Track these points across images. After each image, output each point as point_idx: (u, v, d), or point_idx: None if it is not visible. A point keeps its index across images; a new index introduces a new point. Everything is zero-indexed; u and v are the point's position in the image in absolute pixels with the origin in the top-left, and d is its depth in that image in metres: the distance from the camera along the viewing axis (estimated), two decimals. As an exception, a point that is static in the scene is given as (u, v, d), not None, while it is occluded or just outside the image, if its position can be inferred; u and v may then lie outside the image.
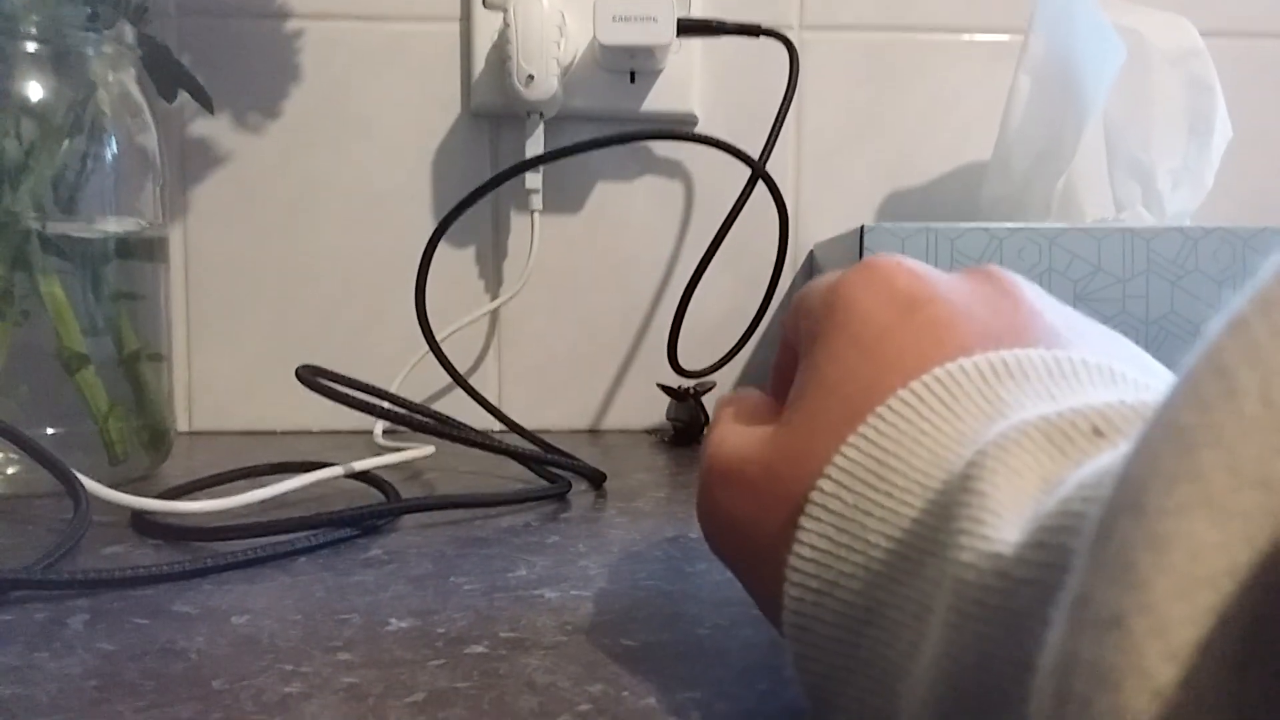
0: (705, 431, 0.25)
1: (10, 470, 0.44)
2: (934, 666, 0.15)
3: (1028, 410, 0.17)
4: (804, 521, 0.19)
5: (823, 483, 0.19)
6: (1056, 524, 0.14)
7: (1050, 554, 0.14)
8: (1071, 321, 0.21)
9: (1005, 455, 0.16)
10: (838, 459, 0.19)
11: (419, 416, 0.45)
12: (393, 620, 0.27)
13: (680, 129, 0.63)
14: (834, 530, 0.18)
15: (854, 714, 0.18)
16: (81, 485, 0.36)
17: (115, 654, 0.25)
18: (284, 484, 0.40)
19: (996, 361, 0.19)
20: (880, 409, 0.19)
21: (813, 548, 0.19)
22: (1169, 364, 0.51)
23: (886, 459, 0.18)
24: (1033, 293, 0.22)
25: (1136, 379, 0.19)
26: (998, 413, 0.18)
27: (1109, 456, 0.14)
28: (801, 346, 0.23)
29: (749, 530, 0.21)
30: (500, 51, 0.63)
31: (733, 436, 0.23)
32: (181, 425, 0.66)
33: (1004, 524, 0.15)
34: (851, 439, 0.19)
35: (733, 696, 0.22)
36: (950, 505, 0.16)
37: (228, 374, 0.67)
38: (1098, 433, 0.16)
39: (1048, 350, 0.19)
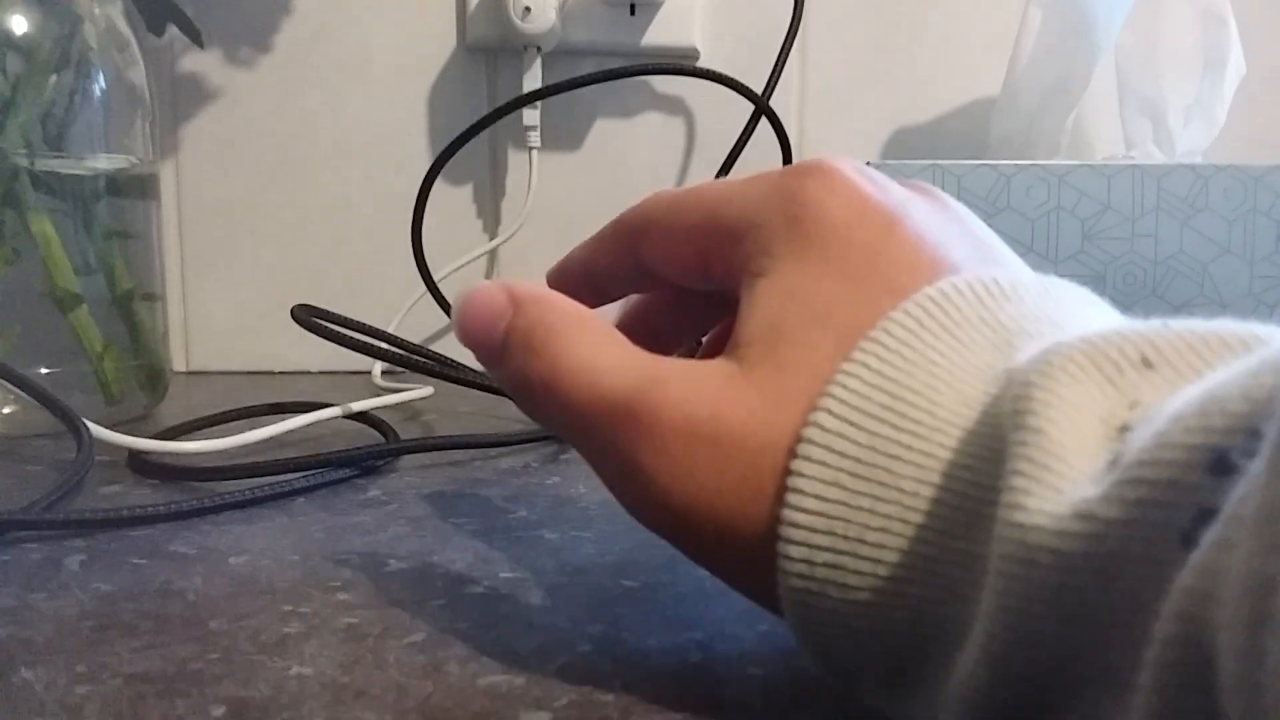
0: (537, 364, 0.19)
1: (6, 410, 0.44)
2: (992, 621, 0.14)
3: (1035, 335, 0.16)
4: (802, 467, 0.16)
5: (821, 418, 0.16)
6: (1157, 458, 0.13)
7: (1150, 491, 0.13)
8: (997, 239, 0.20)
9: (1055, 386, 0.14)
10: (836, 390, 0.16)
11: (417, 357, 0.45)
12: (392, 561, 0.27)
13: (682, 63, 0.62)
14: (848, 476, 0.16)
15: (883, 678, 0.17)
16: (84, 425, 0.36)
17: (112, 594, 0.25)
18: (282, 424, 0.40)
19: (989, 282, 0.17)
20: (875, 333, 0.17)
21: (820, 498, 0.16)
22: (1179, 304, 0.50)
23: (900, 392, 0.16)
24: (966, 210, 0.21)
25: (1107, 303, 0.18)
26: (1004, 341, 0.17)
27: (1195, 389, 0.13)
28: (751, 265, 0.19)
29: (729, 495, 0.17)
30: (497, -17, 0.61)
31: (678, 379, 0.18)
32: (179, 365, 0.66)
33: (1069, 466, 0.14)
34: (848, 368, 0.17)
35: (733, 637, 0.22)
36: (1001, 446, 0.15)
37: (224, 313, 0.66)
38: (1146, 363, 0.15)
39: (1027, 271, 0.18)
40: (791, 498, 0.16)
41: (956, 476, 0.15)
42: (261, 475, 0.35)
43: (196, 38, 0.55)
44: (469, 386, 0.44)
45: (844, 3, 0.67)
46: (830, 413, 0.16)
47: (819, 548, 0.16)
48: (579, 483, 0.36)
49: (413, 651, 0.21)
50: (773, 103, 0.61)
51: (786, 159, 0.61)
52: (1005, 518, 0.14)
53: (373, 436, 0.43)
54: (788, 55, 0.62)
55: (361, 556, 0.28)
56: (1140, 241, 0.47)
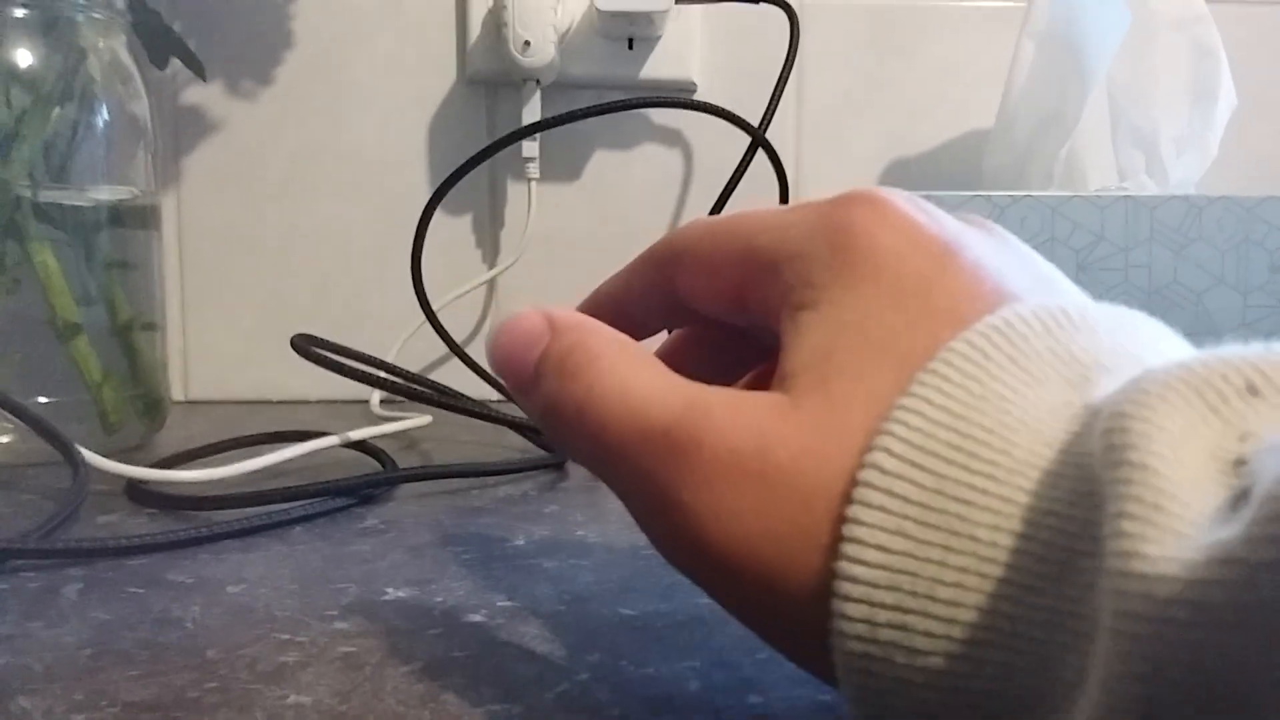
0: (572, 388, 0.18)
1: (3, 439, 0.44)
2: (1111, 691, 0.12)
3: (1112, 370, 0.15)
4: (860, 513, 0.15)
5: (880, 458, 0.15)
6: None
7: None
8: (1059, 273, 0.19)
9: (1155, 416, 0.13)
10: (896, 428, 0.15)
11: (416, 386, 0.45)
12: (390, 590, 0.27)
13: (679, 96, 0.62)
14: (913, 525, 0.14)
15: None
16: (80, 454, 0.36)
17: (110, 623, 0.25)
18: (280, 453, 0.40)
19: (1057, 311, 0.16)
20: (936, 364, 0.15)
21: (882, 549, 0.14)
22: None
23: (969, 430, 0.14)
24: (1023, 244, 0.20)
25: (1180, 336, 0.17)
26: (1079, 376, 0.15)
27: None
28: (792, 297, 0.18)
29: (776, 541, 0.15)
30: (496, 17, 0.62)
31: (723, 408, 0.17)
32: (177, 394, 0.66)
33: (1185, 505, 0.12)
34: (907, 402, 0.15)
35: (731, 665, 0.22)
36: (1092, 489, 0.13)
37: (223, 343, 0.67)
38: (1252, 390, 0.13)
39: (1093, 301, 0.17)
40: (849, 548, 0.15)
41: (1040, 524, 0.14)
42: (259, 504, 0.35)
43: (199, 70, 0.55)
44: (467, 415, 0.44)
45: (839, 36, 0.67)
46: (890, 452, 0.15)
47: (882, 606, 0.14)
48: (577, 511, 0.36)
49: (410, 680, 0.21)
50: (769, 135, 0.61)
51: (783, 190, 0.61)
52: (1119, 568, 0.12)
53: (371, 465, 0.43)
54: (784, 88, 0.62)
55: (359, 585, 0.28)
56: (1134, 272, 0.47)
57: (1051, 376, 0.15)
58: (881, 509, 0.14)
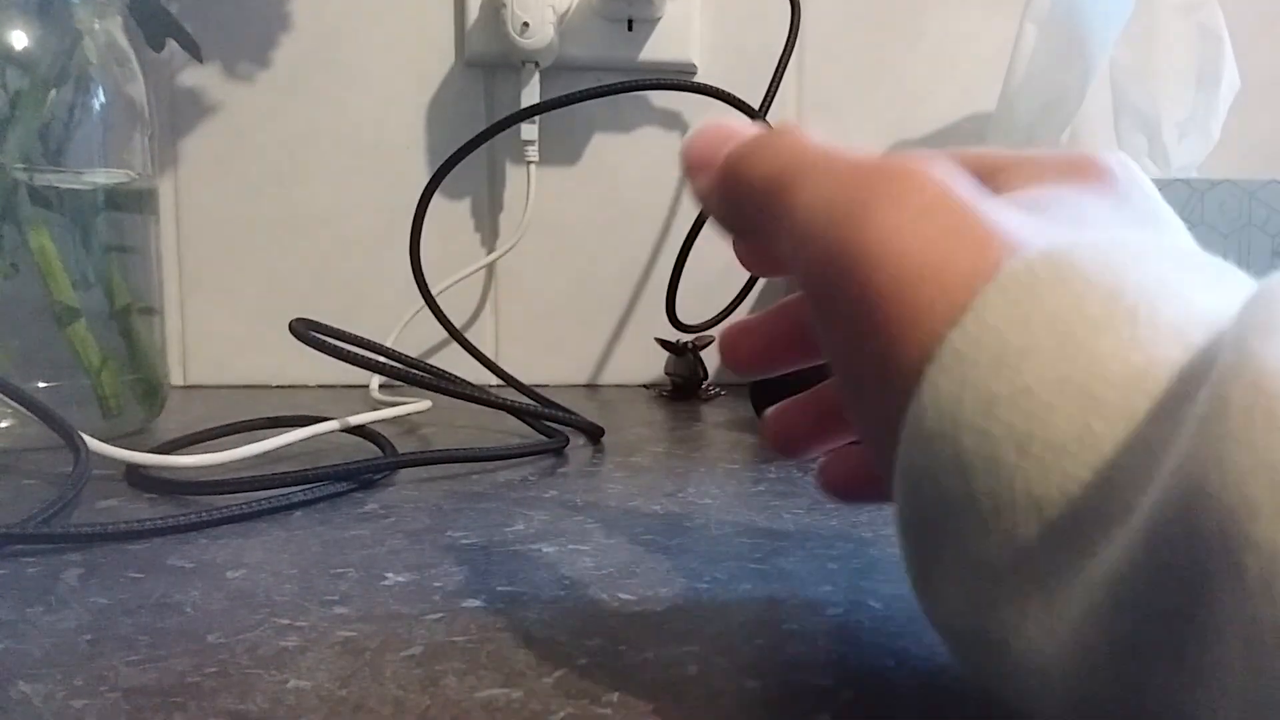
0: (772, 135, 0.20)
1: (3, 424, 0.44)
2: (1177, 483, 0.12)
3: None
4: (993, 295, 0.15)
5: (1036, 259, 0.15)
6: None
7: None
8: None
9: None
10: (1067, 248, 0.15)
11: (415, 371, 0.45)
12: (389, 574, 0.27)
13: (679, 79, 0.62)
14: (1039, 325, 0.14)
15: (981, 579, 0.15)
16: (81, 439, 0.36)
17: (109, 608, 0.25)
18: (280, 438, 0.40)
19: (1226, 266, 0.16)
20: (1123, 235, 0.16)
21: (997, 334, 0.14)
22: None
23: (1125, 273, 0.15)
24: None
25: None
26: (1236, 297, 0.15)
27: None
28: (1009, 185, 0.19)
29: (939, 276, 0.16)
30: (495, -1, 0.62)
31: (943, 166, 0.17)
32: (176, 379, 0.66)
33: None
34: (1079, 244, 0.15)
35: (730, 650, 0.22)
36: (1212, 337, 0.13)
37: (222, 328, 0.66)
38: None
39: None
40: (968, 319, 0.15)
41: (1162, 371, 0.14)
42: (259, 489, 0.35)
43: (196, 53, 0.55)
44: (467, 400, 0.44)
45: (841, 18, 0.67)
46: (1050, 259, 0.15)
47: (974, 386, 0.14)
48: (576, 496, 0.36)
49: (410, 665, 0.21)
50: (769, 117, 0.61)
51: (783, 173, 0.61)
52: (1230, 361, 0.12)
53: (370, 450, 0.43)
54: (784, 70, 0.62)
55: (359, 570, 0.28)
56: (1135, 255, 0.47)
57: (1211, 288, 0.15)
58: (1015, 303, 0.15)
